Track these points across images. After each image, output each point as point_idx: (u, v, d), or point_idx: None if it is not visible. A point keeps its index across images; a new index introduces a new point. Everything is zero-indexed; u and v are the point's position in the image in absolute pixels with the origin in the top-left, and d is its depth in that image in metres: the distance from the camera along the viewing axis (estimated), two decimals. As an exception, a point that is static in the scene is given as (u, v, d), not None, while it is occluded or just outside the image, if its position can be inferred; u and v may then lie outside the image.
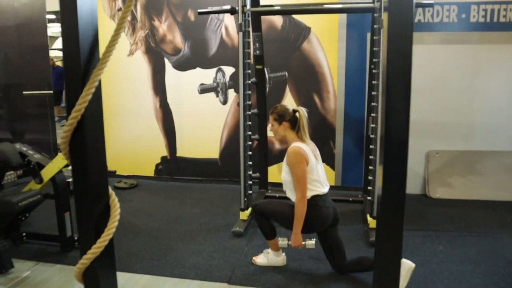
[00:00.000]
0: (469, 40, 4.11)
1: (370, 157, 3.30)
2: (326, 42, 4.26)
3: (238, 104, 3.35)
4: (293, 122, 2.55)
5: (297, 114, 2.55)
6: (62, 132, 1.28)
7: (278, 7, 3.35)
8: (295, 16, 4.26)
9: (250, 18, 3.30)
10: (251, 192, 3.53)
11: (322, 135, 4.42)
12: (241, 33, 3.14)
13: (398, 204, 1.41)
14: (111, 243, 1.41)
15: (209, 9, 3.48)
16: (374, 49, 3.14)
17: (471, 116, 4.24)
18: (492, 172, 4.21)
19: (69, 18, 1.20)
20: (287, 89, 4.45)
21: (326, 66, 4.31)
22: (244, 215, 3.40)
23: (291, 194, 2.57)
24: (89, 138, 1.30)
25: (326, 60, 4.29)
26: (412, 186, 4.41)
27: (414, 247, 3.08)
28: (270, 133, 4.31)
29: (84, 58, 1.26)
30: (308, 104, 4.35)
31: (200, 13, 3.37)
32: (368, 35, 4.19)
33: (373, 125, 3.22)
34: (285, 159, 2.54)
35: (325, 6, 3.36)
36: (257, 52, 3.69)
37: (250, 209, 3.46)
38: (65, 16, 1.20)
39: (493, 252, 2.99)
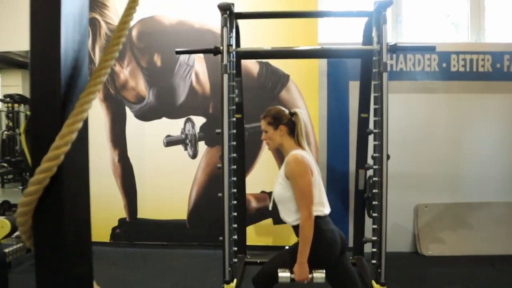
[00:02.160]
0: (451, 89, 4.01)
1: (374, 214, 2.91)
2: (306, 91, 3.99)
3: (220, 157, 2.89)
4: (291, 126, 2.18)
5: (294, 117, 2.18)
6: (23, 196, 0.76)
7: (269, 48, 3.03)
8: (273, 63, 3.98)
9: (235, 60, 2.94)
10: (236, 260, 2.98)
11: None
12: (226, 76, 2.75)
13: None
14: None
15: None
16: (374, 94, 2.87)
17: (457, 167, 4.05)
18: (483, 225, 3.98)
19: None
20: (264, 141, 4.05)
21: (307, 116, 4.00)
22: (230, 289, 2.83)
23: (287, 214, 2.12)
24: (68, 207, 0.79)
25: (306, 110, 3.99)
26: (402, 244, 4.06)
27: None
28: (250, 189, 3.87)
29: (67, 72, 0.78)
30: (288, 156, 3.97)
31: (177, 52, 2.97)
32: (351, 83, 4.00)
33: (376, 179, 2.87)
34: (282, 170, 2.11)
35: (321, 48, 3.11)
36: (237, 99, 3.30)
37: (235, 281, 2.90)
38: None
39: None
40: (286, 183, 2.07)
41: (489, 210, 3.99)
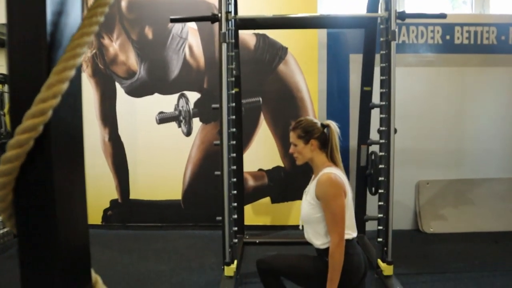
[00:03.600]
0: (455, 62, 3.87)
1: (380, 191, 2.80)
2: (305, 64, 3.82)
3: (218, 132, 2.73)
4: (323, 140, 1.96)
5: (326, 129, 1.98)
6: (0, 164, 0.59)
7: (270, 15, 2.84)
8: (270, 35, 3.79)
9: (233, 28, 2.75)
10: (236, 240, 2.85)
11: (302, 168, 3.89)
12: (224, 45, 2.57)
13: None
14: None
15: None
16: (381, 65, 2.71)
17: (459, 142, 3.95)
18: (485, 201, 3.91)
19: None
20: (262, 117, 3.91)
21: (306, 90, 3.84)
22: (230, 270, 2.69)
23: (315, 236, 1.94)
24: (58, 176, 0.63)
25: (305, 84, 3.83)
26: (403, 221, 3.98)
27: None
28: (247, 167, 3.72)
29: (55, 7, 0.61)
30: (286, 134, 3.79)
31: (172, 20, 2.76)
32: (351, 56, 3.84)
33: (383, 153, 2.74)
34: (311, 189, 1.92)
35: (325, 16, 2.93)
36: (234, 72, 3.12)
37: (235, 262, 2.78)
38: None
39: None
40: (316, 203, 1.89)
41: (492, 186, 3.92)
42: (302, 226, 2.08)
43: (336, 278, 1.82)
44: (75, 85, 0.66)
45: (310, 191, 1.94)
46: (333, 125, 1.97)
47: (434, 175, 3.95)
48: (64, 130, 0.64)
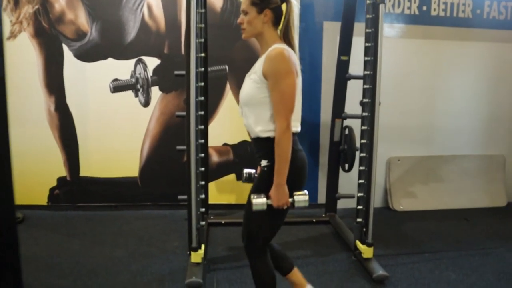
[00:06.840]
0: (430, 34, 3.72)
1: (361, 168, 2.61)
2: (276, 31, 3.52)
3: (185, 101, 2.40)
4: (278, 15, 1.69)
5: (284, 5, 1.69)
6: None
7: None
8: (239, -3, 3.45)
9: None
10: (203, 223, 2.57)
11: (271, 143, 3.65)
12: (193, 0, 2.21)
13: None
14: None
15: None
16: (367, 30, 2.47)
17: (432, 118, 3.85)
18: (454, 178, 3.88)
19: None
20: (228, 86, 3.60)
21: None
22: (197, 256, 2.42)
23: (256, 122, 1.67)
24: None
25: (276, 52, 3.54)
26: (372, 199, 3.86)
27: (423, 277, 2.46)
28: (211, 142, 3.43)
29: None
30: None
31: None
32: (326, 24, 3.58)
33: (365, 127, 2.54)
34: (258, 67, 1.65)
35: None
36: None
37: (203, 247, 2.50)
38: None
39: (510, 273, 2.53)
40: (263, 83, 1.62)
41: (461, 163, 3.88)
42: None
43: (284, 168, 1.60)
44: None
45: (255, 69, 1.67)
46: (294, 1, 1.70)
47: (406, 151, 3.84)
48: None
